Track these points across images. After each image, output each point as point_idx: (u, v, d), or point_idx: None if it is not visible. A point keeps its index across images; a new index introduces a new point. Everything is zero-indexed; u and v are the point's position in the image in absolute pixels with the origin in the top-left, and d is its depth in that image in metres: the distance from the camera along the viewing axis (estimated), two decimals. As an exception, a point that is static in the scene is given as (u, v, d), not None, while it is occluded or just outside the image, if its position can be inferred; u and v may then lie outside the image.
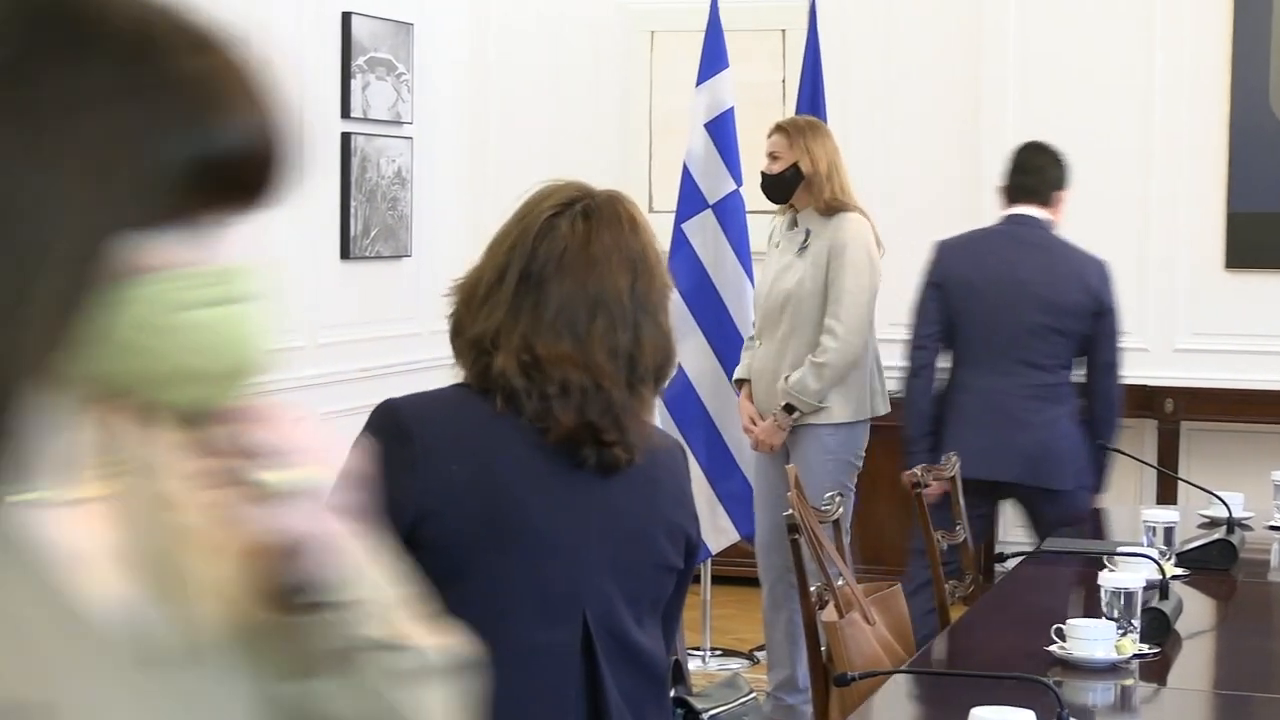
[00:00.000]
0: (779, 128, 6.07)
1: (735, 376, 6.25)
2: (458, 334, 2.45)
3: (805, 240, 5.97)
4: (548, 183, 2.56)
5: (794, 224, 6.04)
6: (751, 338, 6.19)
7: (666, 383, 2.49)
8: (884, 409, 6.05)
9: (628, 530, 2.45)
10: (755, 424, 6.05)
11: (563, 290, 2.40)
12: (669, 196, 7.12)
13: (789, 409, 5.92)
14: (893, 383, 6.47)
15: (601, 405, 2.38)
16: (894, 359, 8.50)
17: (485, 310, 2.41)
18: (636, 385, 2.42)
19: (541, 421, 2.38)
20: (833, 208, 5.94)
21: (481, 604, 2.32)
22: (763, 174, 6.05)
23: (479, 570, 2.37)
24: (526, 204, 2.51)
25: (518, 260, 2.43)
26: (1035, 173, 6.02)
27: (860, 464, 6.18)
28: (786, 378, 5.92)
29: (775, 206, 6.18)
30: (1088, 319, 5.79)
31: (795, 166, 5.95)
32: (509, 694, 2.27)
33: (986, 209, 8.26)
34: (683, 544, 2.52)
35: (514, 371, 2.37)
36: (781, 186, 5.99)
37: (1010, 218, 6.02)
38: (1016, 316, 5.78)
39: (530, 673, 2.37)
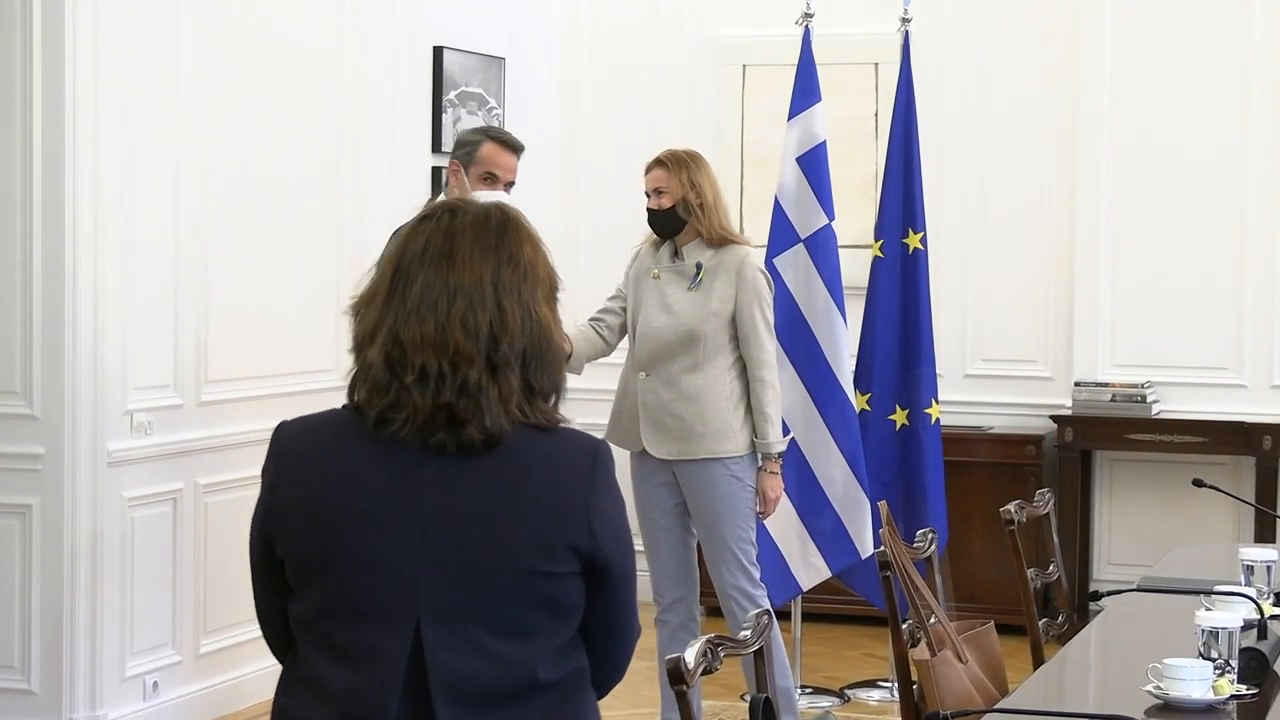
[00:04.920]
0: (659, 162, 5.99)
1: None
2: (353, 344, 2.63)
3: (698, 274, 5.92)
4: None
5: (676, 255, 5.99)
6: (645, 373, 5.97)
7: (544, 370, 2.57)
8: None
9: (473, 540, 2.52)
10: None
11: (425, 279, 2.56)
12: (760, 231, 7.12)
13: (780, 455, 5.90)
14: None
15: (457, 386, 2.50)
16: (1006, 394, 8.47)
17: (367, 313, 2.61)
18: (500, 367, 2.52)
19: (397, 412, 2.52)
20: (722, 239, 5.94)
21: (327, 610, 2.55)
22: (650, 210, 5.98)
23: (320, 581, 2.56)
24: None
25: (390, 263, 2.62)
26: None
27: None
28: (755, 438, 5.85)
29: (659, 238, 5.98)
30: None
31: (682, 200, 5.92)
32: (351, 690, 2.51)
33: (1082, 244, 8.24)
34: (566, 553, 2.54)
35: (380, 364, 2.54)
36: (672, 221, 5.95)
37: None
38: None
39: (366, 671, 2.51)
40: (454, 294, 2.53)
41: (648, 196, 5.98)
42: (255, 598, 2.72)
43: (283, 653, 2.69)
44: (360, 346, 2.59)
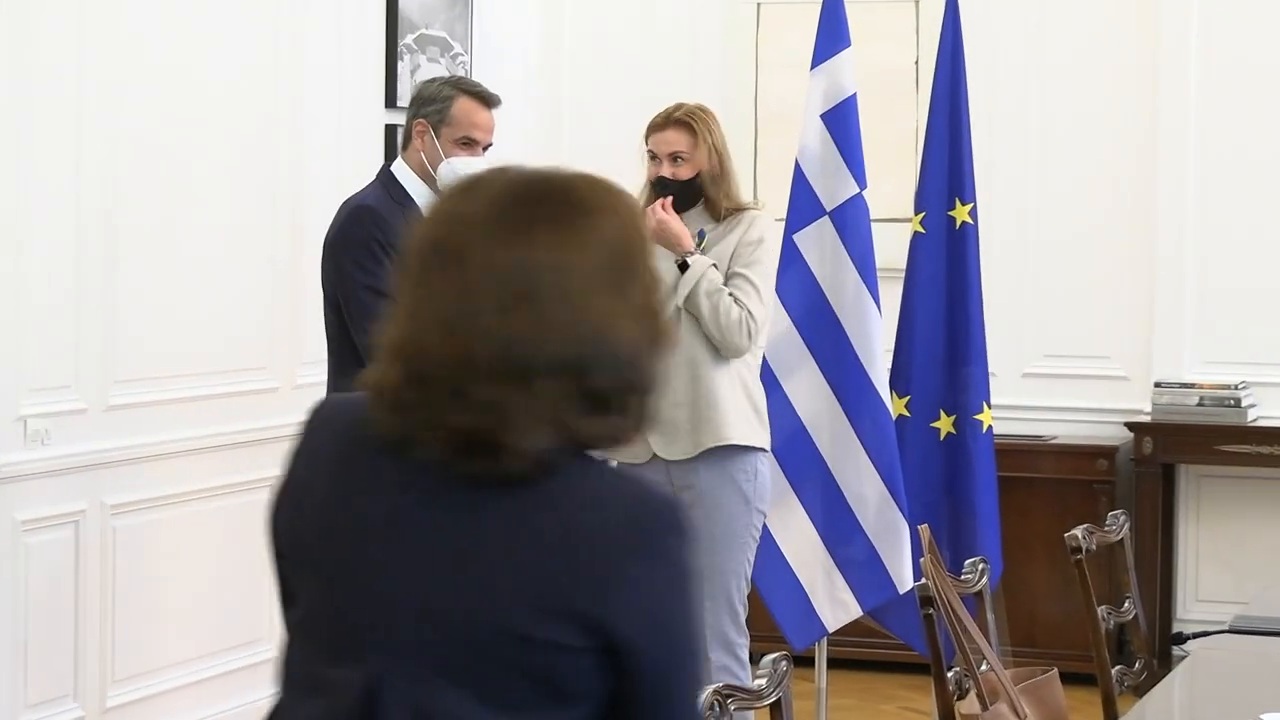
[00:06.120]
0: (679, 122, 6.07)
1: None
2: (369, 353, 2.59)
3: (700, 243, 6.03)
4: None
5: None
6: None
7: (608, 375, 2.44)
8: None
9: (465, 586, 2.44)
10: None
11: (446, 274, 2.45)
12: (778, 201, 7.12)
13: (684, 265, 5.96)
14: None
15: (479, 405, 2.41)
16: (1072, 397, 8.47)
17: (388, 314, 2.52)
18: (533, 379, 2.41)
19: (411, 431, 2.45)
20: (730, 210, 6.08)
21: (302, 625, 2.55)
22: (662, 179, 6.05)
23: (296, 590, 2.56)
24: None
25: (404, 255, 2.52)
26: None
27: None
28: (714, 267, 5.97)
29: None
30: None
31: (706, 170, 6.03)
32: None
33: (1165, 217, 8.23)
34: (569, 621, 2.41)
35: (393, 379, 2.46)
36: (689, 195, 6.04)
37: None
38: None
39: (318, 704, 2.49)
40: (478, 291, 2.43)
41: (653, 160, 6.03)
42: None
43: None
44: (373, 356, 2.51)
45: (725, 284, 5.95)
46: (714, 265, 5.95)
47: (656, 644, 2.45)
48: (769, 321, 6.34)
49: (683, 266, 5.95)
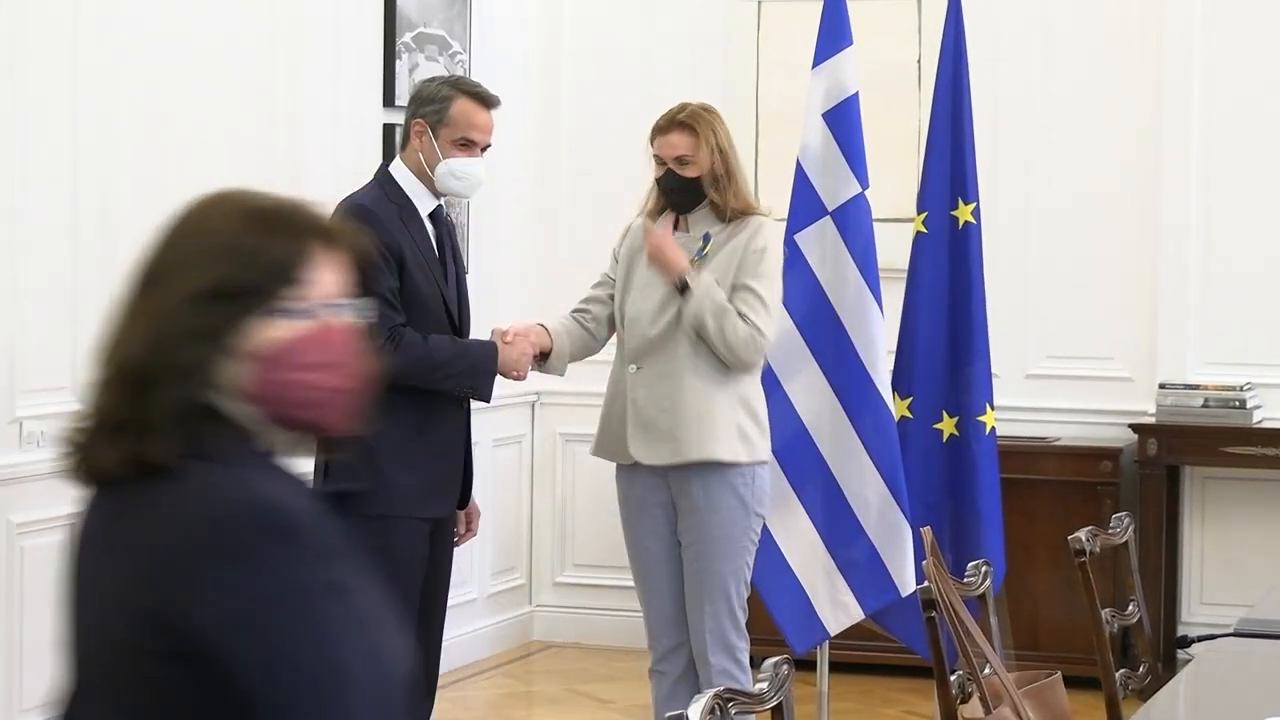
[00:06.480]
0: (682, 125, 6.06)
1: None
2: None
3: (704, 247, 6.03)
4: None
5: (677, 227, 6.09)
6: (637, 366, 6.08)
7: (114, 392, 2.48)
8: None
9: (95, 593, 2.46)
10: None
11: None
12: (779, 201, 7.11)
13: (685, 287, 5.92)
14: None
15: (88, 410, 2.50)
16: (1076, 398, 8.45)
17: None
18: (97, 388, 2.51)
19: None
20: (739, 212, 6.07)
21: None
22: (670, 173, 6.07)
23: None
24: None
25: None
26: None
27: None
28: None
29: (675, 211, 6.14)
30: None
31: (710, 172, 6.05)
32: None
33: (1169, 215, 8.22)
34: (156, 628, 2.34)
35: None
36: (695, 195, 6.07)
37: None
38: None
39: None
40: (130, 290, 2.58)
41: (659, 163, 6.04)
42: None
43: None
44: None
45: (731, 295, 5.92)
46: (715, 281, 5.92)
47: (252, 655, 2.33)
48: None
49: (683, 287, 5.92)
